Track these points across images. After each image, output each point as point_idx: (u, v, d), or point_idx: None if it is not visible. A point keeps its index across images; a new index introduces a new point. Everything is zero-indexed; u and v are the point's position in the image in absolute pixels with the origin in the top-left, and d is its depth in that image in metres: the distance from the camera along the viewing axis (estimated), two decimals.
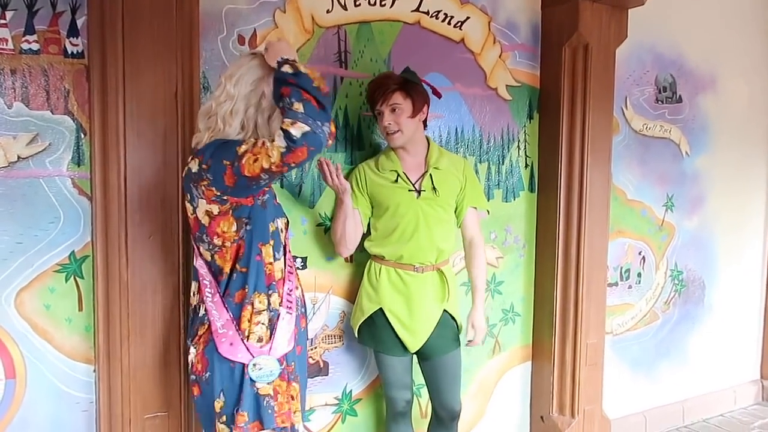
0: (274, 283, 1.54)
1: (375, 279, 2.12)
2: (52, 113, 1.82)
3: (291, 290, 1.56)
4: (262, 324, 1.51)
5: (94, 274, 1.84)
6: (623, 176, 2.94)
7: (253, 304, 1.51)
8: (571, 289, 2.63)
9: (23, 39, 1.78)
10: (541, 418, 2.75)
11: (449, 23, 2.46)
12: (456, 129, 2.52)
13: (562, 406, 2.68)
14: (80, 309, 1.88)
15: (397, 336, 2.07)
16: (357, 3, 2.26)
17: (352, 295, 2.32)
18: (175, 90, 1.76)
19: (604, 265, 2.72)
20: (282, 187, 2.17)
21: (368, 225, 2.18)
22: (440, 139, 2.47)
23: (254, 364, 1.46)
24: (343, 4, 2.23)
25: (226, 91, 1.50)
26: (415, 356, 2.16)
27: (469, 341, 2.17)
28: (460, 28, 2.48)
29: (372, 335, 2.13)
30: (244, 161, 1.38)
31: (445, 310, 2.11)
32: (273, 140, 1.36)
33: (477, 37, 2.52)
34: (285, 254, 1.60)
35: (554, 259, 2.65)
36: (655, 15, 2.88)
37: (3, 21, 1.75)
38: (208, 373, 1.50)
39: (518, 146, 2.67)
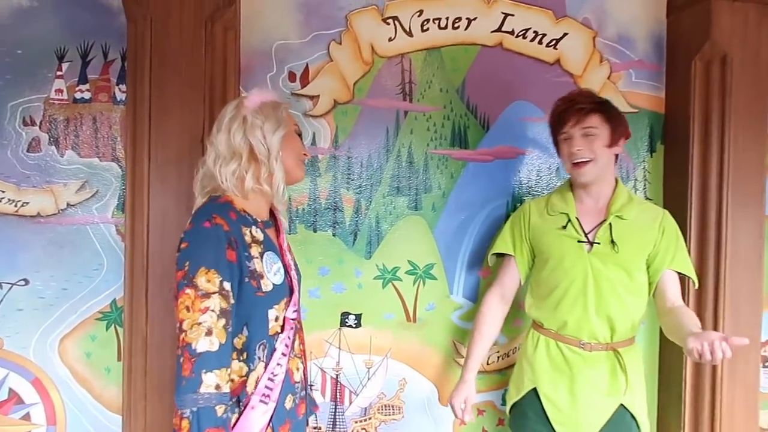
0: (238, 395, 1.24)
1: (531, 350, 1.72)
2: (100, 160, 1.83)
3: (274, 375, 1.24)
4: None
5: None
6: None
7: None
8: (706, 370, 2.02)
9: (77, 88, 1.82)
10: None
11: (540, 42, 2.07)
12: (548, 168, 2.09)
13: None
14: (119, 359, 1.84)
15: (552, 427, 1.65)
16: (425, 28, 2.00)
17: (414, 360, 2.02)
18: (201, 134, 1.65)
19: (755, 342, 2.06)
20: (334, 235, 1.96)
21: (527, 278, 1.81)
22: (521, 181, 2.07)
23: None
24: (408, 30, 1.99)
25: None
26: None
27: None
28: (555, 47, 2.08)
29: (519, 421, 1.72)
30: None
31: (621, 405, 1.64)
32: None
33: (577, 56, 2.10)
34: (272, 352, 1.26)
35: None
36: None
37: (59, 72, 1.81)
38: None
39: (634, 186, 2.16)
